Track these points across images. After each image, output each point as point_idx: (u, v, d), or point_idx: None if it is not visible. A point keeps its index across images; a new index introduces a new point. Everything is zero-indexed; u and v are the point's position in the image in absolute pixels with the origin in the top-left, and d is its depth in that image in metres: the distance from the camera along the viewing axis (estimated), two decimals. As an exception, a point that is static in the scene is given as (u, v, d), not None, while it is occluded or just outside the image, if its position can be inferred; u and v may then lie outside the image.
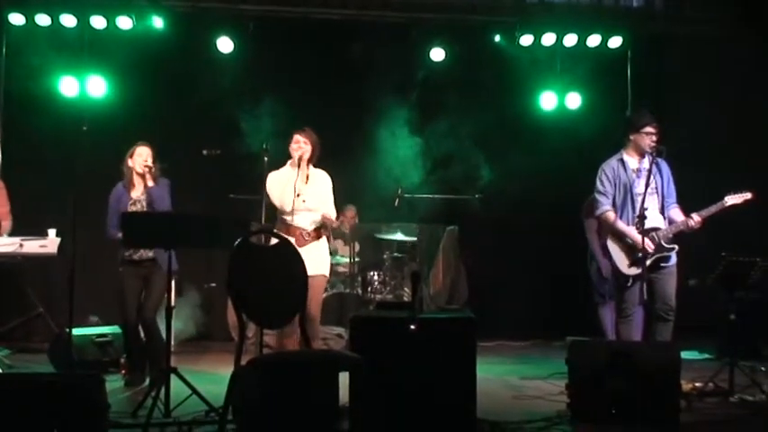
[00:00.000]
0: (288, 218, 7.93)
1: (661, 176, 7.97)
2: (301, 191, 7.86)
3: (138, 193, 8.33)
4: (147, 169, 8.21)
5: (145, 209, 8.24)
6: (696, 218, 7.74)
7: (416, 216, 10.97)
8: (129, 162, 8.34)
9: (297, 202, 7.85)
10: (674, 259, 7.92)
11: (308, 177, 7.97)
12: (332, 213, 8.14)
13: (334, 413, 5.87)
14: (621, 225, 7.94)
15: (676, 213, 7.96)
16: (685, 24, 11.78)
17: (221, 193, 10.32)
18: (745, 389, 7.72)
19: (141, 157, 8.28)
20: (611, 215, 8.04)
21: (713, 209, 7.77)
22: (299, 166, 7.92)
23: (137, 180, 8.34)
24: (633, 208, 7.90)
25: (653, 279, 7.78)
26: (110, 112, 11.04)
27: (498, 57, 11.94)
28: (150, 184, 8.25)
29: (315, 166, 8.14)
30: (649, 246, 7.67)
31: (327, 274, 8.19)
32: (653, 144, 7.87)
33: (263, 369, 5.32)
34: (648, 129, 7.94)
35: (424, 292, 10.17)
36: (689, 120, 11.21)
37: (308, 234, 7.88)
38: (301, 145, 7.99)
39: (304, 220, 7.92)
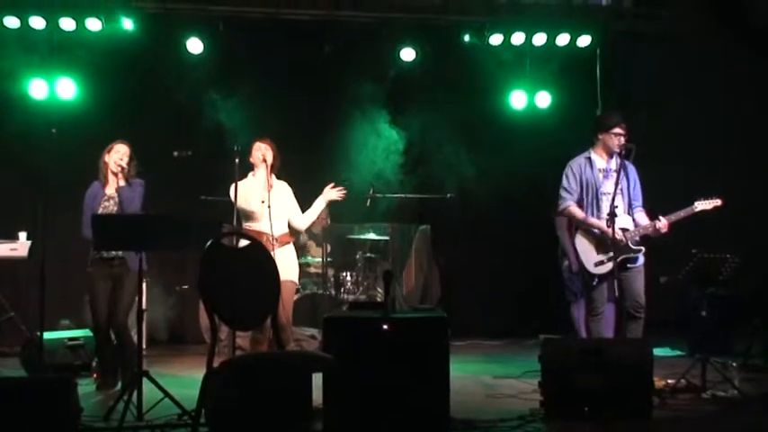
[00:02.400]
0: (253, 224, 7.91)
1: (627, 178, 8.02)
2: (265, 197, 7.83)
3: (112, 189, 8.27)
4: (119, 168, 8.16)
5: (117, 208, 8.18)
6: (663, 221, 7.81)
7: (388, 216, 10.96)
8: (106, 158, 8.28)
9: (262, 208, 7.83)
10: (641, 260, 7.99)
11: (270, 186, 7.96)
12: (300, 218, 8.16)
13: (308, 414, 5.86)
14: (592, 219, 8.00)
15: (641, 217, 8.04)
16: (654, 22, 11.82)
17: (192, 194, 10.28)
18: (717, 385, 7.72)
19: (118, 154, 8.24)
20: (575, 209, 8.11)
21: (682, 214, 7.86)
22: (266, 170, 7.91)
23: (111, 177, 8.28)
24: (599, 207, 7.98)
25: (621, 278, 7.80)
26: (79, 114, 10.96)
27: (468, 56, 11.92)
28: (122, 183, 8.20)
29: (277, 177, 8.15)
30: (619, 235, 7.73)
31: (296, 279, 8.14)
32: (621, 144, 7.93)
33: (236, 371, 5.32)
34: (617, 129, 8.01)
35: (397, 291, 10.20)
36: (658, 118, 11.28)
37: (275, 239, 7.83)
38: (263, 150, 7.98)
39: (268, 226, 7.86)
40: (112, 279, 8.17)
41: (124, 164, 8.19)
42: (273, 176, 8.08)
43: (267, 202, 7.81)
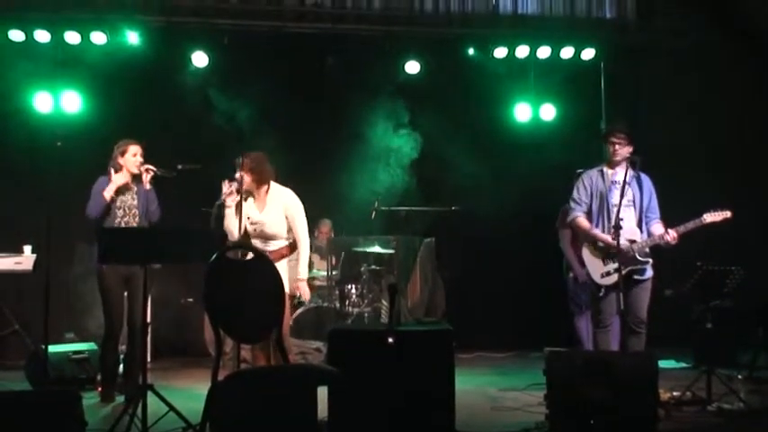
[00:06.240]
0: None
1: (641, 190, 7.96)
2: (253, 218, 7.85)
3: (126, 186, 8.34)
4: (143, 169, 8.23)
5: (135, 203, 8.30)
6: (672, 233, 7.70)
7: (393, 228, 10.95)
8: (120, 160, 8.32)
9: (249, 229, 7.83)
10: (649, 273, 7.92)
11: (265, 204, 7.96)
12: (302, 237, 7.99)
13: (313, 428, 5.81)
14: (596, 231, 7.95)
15: (657, 228, 7.91)
16: (658, 35, 11.88)
17: (197, 207, 10.24)
18: (723, 397, 7.72)
19: (136, 157, 8.30)
20: (583, 221, 8.05)
21: (691, 225, 7.72)
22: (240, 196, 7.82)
23: (126, 175, 8.32)
24: (608, 218, 7.86)
25: (626, 292, 7.68)
26: (84, 127, 11.00)
27: (473, 69, 11.97)
28: (148, 186, 8.29)
29: (283, 184, 8.11)
30: (625, 246, 7.69)
31: (288, 291, 8.09)
32: (615, 152, 7.92)
33: (241, 384, 5.29)
34: (612, 138, 7.97)
35: (402, 304, 10.18)
36: (662, 130, 11.30)
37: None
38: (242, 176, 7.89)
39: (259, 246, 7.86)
40: (124, 278, 8.20)
41: (144, 167, 8.25)
42: (273, 188, 8.03)
43: (255, 225, 7.86)
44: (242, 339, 6.34)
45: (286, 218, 7.98)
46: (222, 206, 7.89)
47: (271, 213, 7.93)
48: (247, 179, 7.88)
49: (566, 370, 6.69)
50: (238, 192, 7.78)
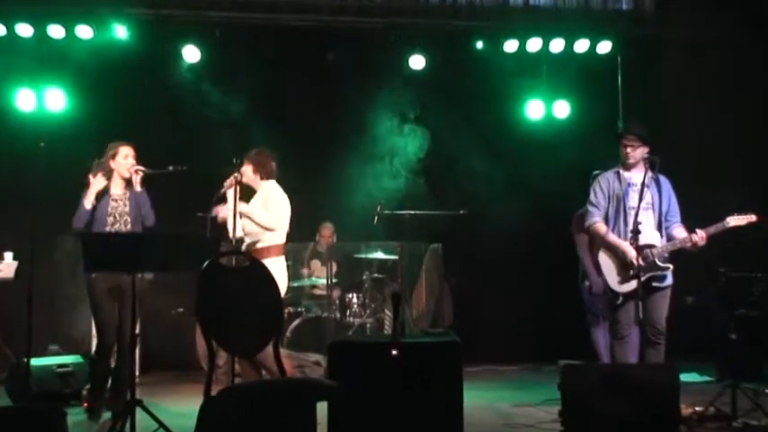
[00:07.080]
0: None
1: (659, 193, 7.73)
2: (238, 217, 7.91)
3: (119, 192, 8.08)
4: (133, 171, 8.00)
5: (127, 209, 8.03)
6: (701, 233, 7.43)
7: (397, 233, 10.78)
8: (112, 163, 8.06)
9: (238, 229, 7.84)
10: (669, 280, 7.66)
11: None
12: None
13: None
14: (613, 237, 7.70)
15: (680, 231, 7.68)
16: (676, 27, 11.79)
17: (189, 211, 10.00)
18: (749, 412, 7.56)
19: (128, 159, 8.06)
20: (601, 227, 7.81)
21: (713, 229, 7.50)
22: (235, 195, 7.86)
23: (118, 180, 8.08)
24: (626, 222, 7.65)
25: (644, 300, 7.47)
26: (69, 127, 10.97)
27: (481, 64, 11.89)
28: (138, 189, 8.04)
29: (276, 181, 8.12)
30: (643, 252, 7.44)
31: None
32: (628, 155, 7.71)
33: (235, 399, 5.14)
34: (623, 140, 7.78)
35: (407, 314, 9.92)
36: (682, 126, 11.23)
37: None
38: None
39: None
40: (116, 288, 7.92)
41: (134, 169, 8.04)
42: (264, 185, 8.05)
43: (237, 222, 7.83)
44: (236, 352, 6.30)
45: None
46: (222, 199, 8.01)
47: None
48: (248, 171, 7.98)
49: (582, 384, 6.58)
50: (237, 184, 7.79)
